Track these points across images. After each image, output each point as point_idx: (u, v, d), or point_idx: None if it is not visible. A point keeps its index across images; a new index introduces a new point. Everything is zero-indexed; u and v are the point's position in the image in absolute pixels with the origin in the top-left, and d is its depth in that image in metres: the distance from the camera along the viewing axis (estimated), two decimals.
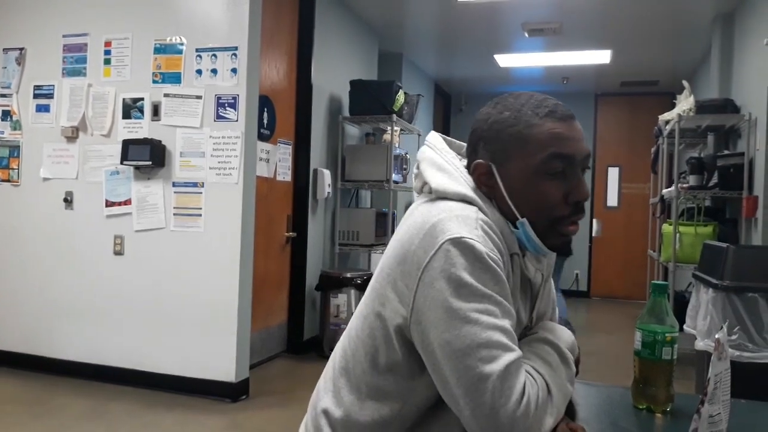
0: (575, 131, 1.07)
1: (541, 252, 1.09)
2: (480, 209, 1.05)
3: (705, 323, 2.60)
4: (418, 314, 0.98)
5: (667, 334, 1.13)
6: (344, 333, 1.17)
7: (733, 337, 2.35)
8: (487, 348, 0.93)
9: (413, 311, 0.99)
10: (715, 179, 4.70)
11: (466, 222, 1.00)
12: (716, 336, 0.97)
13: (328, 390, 1.13)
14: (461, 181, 1.09)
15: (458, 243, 0.97)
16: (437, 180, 1.10)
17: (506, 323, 0.97)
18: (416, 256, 1.00)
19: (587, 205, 9.09)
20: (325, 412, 1.11)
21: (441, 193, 1.09)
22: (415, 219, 1.05)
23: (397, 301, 1.02)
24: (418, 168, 1.17)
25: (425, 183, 1.14)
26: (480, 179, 1.10)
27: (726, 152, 4.95)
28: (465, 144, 1.20)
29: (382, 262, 1.09)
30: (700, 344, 2.64)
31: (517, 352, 0.96)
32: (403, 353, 1.03)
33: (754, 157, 4.45)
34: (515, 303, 1.04)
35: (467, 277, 0.95)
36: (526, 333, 1.16)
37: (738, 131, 4.92)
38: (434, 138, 1.19)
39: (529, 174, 1.06)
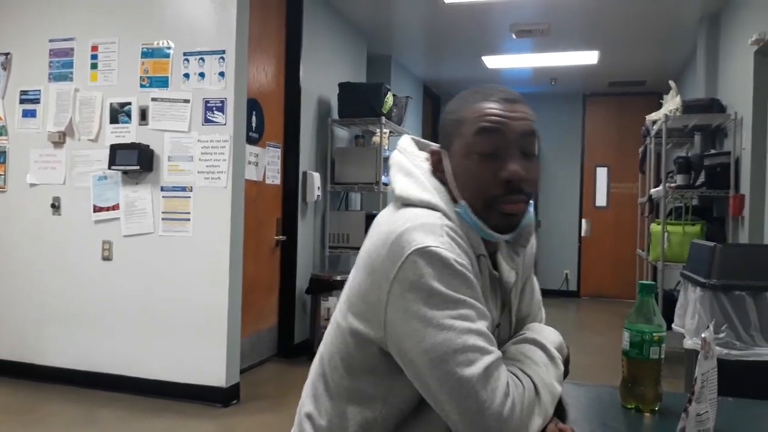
0: (512, 111, 1.06)
1: (487, 236, 1.07)
2: (444, 215, 1.05)
3: (693, 322, 2.61)
4: (392, 326, 0.98)
5: (654, 334, 1.14)
6: (323, 339, 1.17)
7: (721, 335, 2.36)
8: (464, 352, 0.93)
9: (386, 323, 0.99)
10: (702, 178, 4.73)
11: (432, 230, 1.00)
12: (703, 335, 0.98)
13: (309, 395, 1.14)
14: (426, 186, 1.09)
15: (424, 253, 0.97)
16: (401, 186, 1.10)
17: (481, 326, 0.97)
18: (384, 267, 0.99)
19: (576, 204, 9.13)
20: (309, 417, 1.12)
21: (404, 200, 1.09)
22: (382, 229, 1.05)
23: (369, 312, 1.02)
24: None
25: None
26: (436, 166, 1.12)
27: (713, 151, 4.99)
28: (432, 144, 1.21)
29: (353, 272, 1.09)
30: (689, 343, 2.65)
31: (495, 354, 0.96)
32: (378, 357, 1.03)
33: (740, 156, 4.48)
34: (486, 304, 1.04)
35: (437, 286, 0.95)
36: (511, 334, 1.17)
37: (724, 130, 4.95)
38: (405, 142, 1.19)
39: (465, 153, 1.07)
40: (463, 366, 0.92)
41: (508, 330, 1.18)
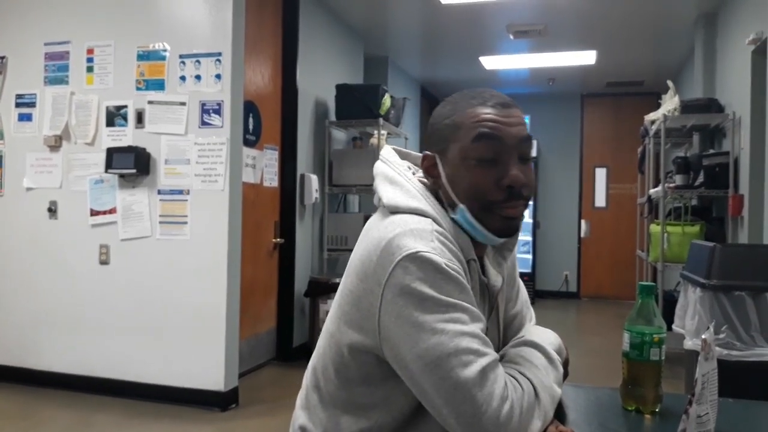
0: (508, 116, 1.07)
1: (486, 239, 1.09)
2: (434, 221, 1.05)
3: (693, 322, 2.60)
4: (386, 331, 0.98)
5: (654, 335, 1.13)
6: (315, 350, 1.17)
7: (721, 336, 2.35)
8: (457, 355, 0.92)
9: (380, 329, 0.99)
10: (701, 178, 4.73)
11: (422, 235, 1.00)
12: (703, 336, 0.97)
13: (303, 408, 1.14)
14: (413, 193, 1.10)
15: (415, 258, 0.97)
16: (389, 194, 1.10)
17: (476, 328, 0.96)
18: (376, 273, 0.99)
19: (575, 205, 9.12)
20: (303, 429, 1.11)
21: (393, 207, 1.09)
22: (372, 235, 1.05)
23: (362, 319, 1.02)
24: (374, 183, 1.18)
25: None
26: (428, 171, 1.12)
27: (711, 151, 4.98)
28: (415, 153, 1.22)
29: (345, 279, 1.09)
30: (689, 343, 2.64)
31: (491, 356, 0.95)
32: (373, 366, 1.03)
33: (739, 155, 4.48)
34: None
35: (428, 290, 0.95)
36: (500, 337, 1.18)
37: (723, 130, 4.95)
38: (387, 152, 1.20)
39: (463, 159, 1.07)
40: (457, 369, 0.92)
41: (496, 333, 1.19)
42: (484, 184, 1.05)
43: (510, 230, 1.09)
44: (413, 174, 1.15)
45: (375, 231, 1.06)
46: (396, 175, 1.13)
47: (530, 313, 1.30)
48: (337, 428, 1.06)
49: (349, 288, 1.05)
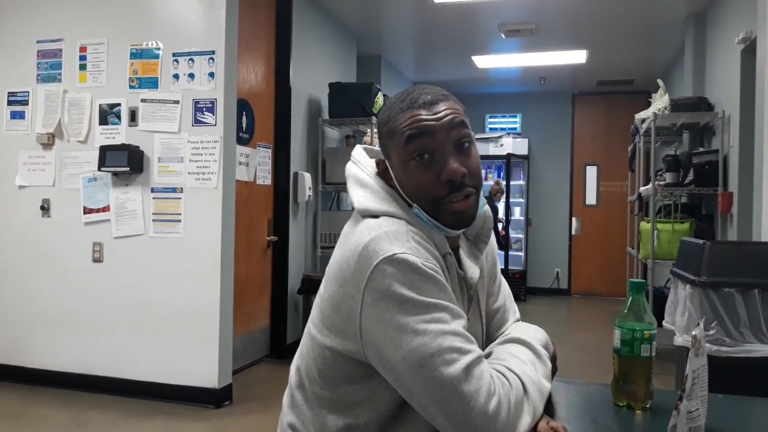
0: (435, 112, 1.08)
1: (448, 234, 1.10)
2: (406, 221, 1.06)
3: (683, 319, 2.63)
4: (368, 335, 0.99)
5: (645, 332, 1.15)
6: (298, 350, 1.17)
7: (711, 332, 2.38)
8: (441, 354, 0.93)
9: (362, 333, 0.99)
10: (690, 176, 4.76)
11: (397, 237, 1.01)
12: (693, 332, 0.98)
13: (290, 406, 1.14)
14: (382, 195, 1.11)
15: (392, 261, 0.98)
16: (359, 198, 1.12)
17: (457, 326, 0.97)
18: (354, 278, 1.00)
19: (566, 203, 9.14)
20: (291, 427, 1.12)
21: (364, 212, 1.10)
22: (350, 240, 1.06)
23: (343, 324, 1.02)
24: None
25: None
26: (382, 175, 1.14)
27: (701, 149, 5.02)
28: None
29: (324, 284, 1.09)
30: (679, 340, 2.67)
31: (474, 353, 0.96)
32: (356, 364, 1.03)
33: (728, 153, 4.52)
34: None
35: (407, 292, 0.96)
36: (483, 329, 1.19)
37: (712, 129, 4.99)
38: (357, 152, 1.21)
39: (402, 162, 1.09)
40: (442, 367, 0.93)
41: (479, 327, 1.20)
42: (426, 182, 1.07)
43: (462, 222, 1.09)
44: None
45: (351, 236, 1.06)
46: (366, 176, 1.15)
47: (513, 307, 1.31)
48: (324, 426, 1.07)
49: (329, 293, 1.06)
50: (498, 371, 1.00)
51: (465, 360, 0.94)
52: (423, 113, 1.07)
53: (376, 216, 1.08)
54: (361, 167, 1.16)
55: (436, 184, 1.06)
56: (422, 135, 1.06)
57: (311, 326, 1.11)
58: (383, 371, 0.99)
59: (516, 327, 1.19)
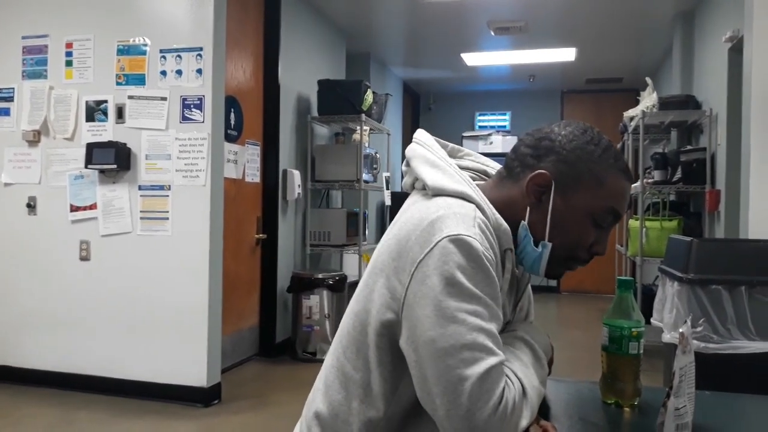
0: (629, 194, 1.13)
1: (533, 271, 1.13)
2: (477, 207, 1.05)
3: (671, 316, 2.64)
4: (408, 309, 0.98)
5: (633, 329, 1.15)
6: (337, 331, 1.15)
7: (698, 329, 2.39)
8: (470, 350, 0.92)
9: (404, 306, 0.98)
10: (678, 174, 4.79)
11: (465, 220, 1.00)
12: (680, 330, 0.98)
13: (319, 390, 1.12)
14: (457, 178, 1.09)
15: (456, 241, 0.96)
16: (432, 176, 1.10)
17: (492, 326, 0.96)
18: (412, 252, 0.99)
19: None
20: (317, 416, 1.09)
21: (438, 190, 1.08)
22: (413, 214, 1.04)
23: (388, 297, 1.01)
24: (408, 165, 1.17)
25: (416, 179, 1.14)
26: (531, 186, 1.09)
27: (689, 147, 5.05)
28: (450, 144, 1.22)
29: (375, 259, 1.08)
30: (667, 337, 2.68)
31: (499, 357, 0.95)
32: (390, 352, 1.02)
33: (715, 152, 4.54)
34: (502, 298, 1.04)
35: (460, 276, 0.95)
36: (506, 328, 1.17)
37: (700, 127, 5.02)
38: (423, 135, 1.19)
39: (585, 213, 1.08)
40: (466, 364, 0.92)
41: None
42: (584, 243, 1.10)
43: (558, 277, 1.15)
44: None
45: (416, 211, 1.05)
46: (436, 159, 1.13)
47: (532, 307, 1.32)
48: (348, 414, 1.05)
49: (380, 266, 1.04)
50: (506, 375, 0.99)
51: (489, 362, 0.92)
52: (628, 192, 1.11)
53: (449, 196, 1.06)
54: (428, 149, 1.15)
55: (585, 248, 1.10)
56: (618, 216, 1.10)
57: (353, 302, 1.10)
58: (407, 348, 0.98)
59: (524, 327, 1.17)
